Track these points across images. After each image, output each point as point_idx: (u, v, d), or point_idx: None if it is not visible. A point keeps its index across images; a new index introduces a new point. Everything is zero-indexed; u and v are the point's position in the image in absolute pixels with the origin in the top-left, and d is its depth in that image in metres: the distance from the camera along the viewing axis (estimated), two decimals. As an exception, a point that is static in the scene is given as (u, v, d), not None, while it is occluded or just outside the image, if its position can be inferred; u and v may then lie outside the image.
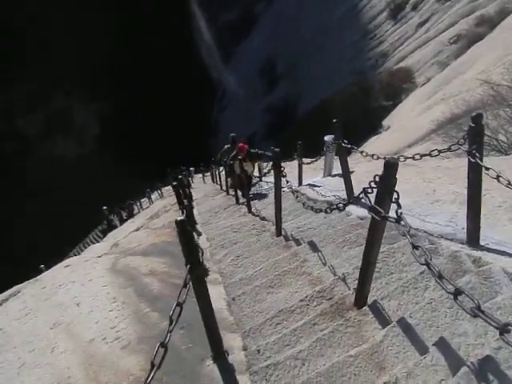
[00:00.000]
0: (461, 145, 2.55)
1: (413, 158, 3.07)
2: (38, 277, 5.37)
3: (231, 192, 8.63)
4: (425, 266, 2.58)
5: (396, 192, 1.84)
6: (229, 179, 9.01)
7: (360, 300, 2.50)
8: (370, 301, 2.48)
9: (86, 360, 2.59)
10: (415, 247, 1.56)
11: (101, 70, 63.34)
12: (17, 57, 59.59)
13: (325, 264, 3.25)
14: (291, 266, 3.36)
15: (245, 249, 4.19)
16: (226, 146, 10.54)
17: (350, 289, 2.74)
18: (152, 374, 1.33)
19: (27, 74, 60.20)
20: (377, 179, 1.93)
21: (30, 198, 51.03)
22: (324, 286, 2.85)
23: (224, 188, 10.06)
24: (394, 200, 1.83)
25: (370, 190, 2.06)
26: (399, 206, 1.80)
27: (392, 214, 1.90)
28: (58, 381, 2.44)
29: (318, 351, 2.22)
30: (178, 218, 1.78)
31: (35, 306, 3.75)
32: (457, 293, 1.26)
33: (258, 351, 2.35)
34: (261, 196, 7.46)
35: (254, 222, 5.33)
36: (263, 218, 5.46)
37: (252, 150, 7.48)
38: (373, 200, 2.02)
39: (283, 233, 4.30)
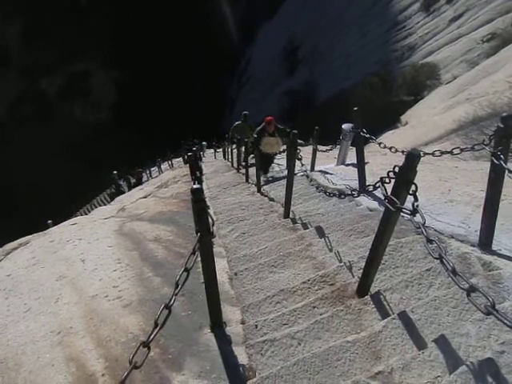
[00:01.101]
0: (486, 145, 2.48)
1: (432, 154, 3.01)
2: (47, 230, 5.49)
3: (242, 170, 8.59)
4: (432, 264, 2.60)
5: (414, 184, 1.80)
6: (250, 157, 8.16)
7: (362, 289, 2.50)
8: (372, 291, 2.48)
9: (88, 314, 2.66)
10: (429, 241, 1.53)
11: (121, 38, 62.62)
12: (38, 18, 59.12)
13: (330, 250, 3.24)
14: (296, 248, 3.36)
15: (251, 227, 4.20)
16: (236, 123, 10.40)
17: (353, 277, 2.75)
18: (156, 332, 1.35)
19: (50, 36, 59.83)
20: (396, 169, 1.89)
21: (44, 157, 51.63)
22: (327, 271, 2.85)
23: (235, 165, 10.03)
24: (411, 192, 1.80)
25: (387, 180, 2.02)
26: (416, 199, 1.76)
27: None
28: (60, 329, 2.51)
29: (315, 333, 2.24)
30: (194, 186, 1.77)
31: (43, 257, 3.84)
32: (471, 290, 1.24)
33: (256, 326, 2.38)
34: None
35: (262, 202, 5.33)
36: (271, 199, 5.46)
37: (280, 126, 6.93)
38: (389, 191, 1.99)
39: (291, 215, 4.29)
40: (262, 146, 6.73)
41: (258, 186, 6.11)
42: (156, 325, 1.40)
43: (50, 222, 13.95)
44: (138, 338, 2.34)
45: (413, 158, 1.73)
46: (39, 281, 3.22)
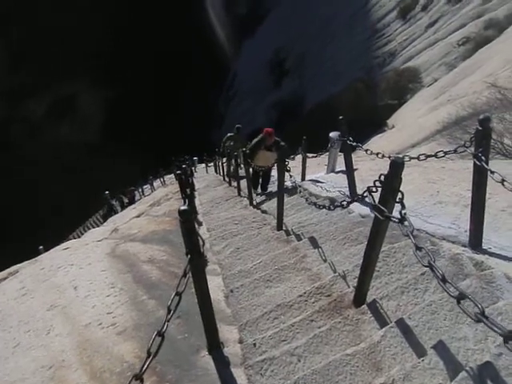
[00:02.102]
0: (467, 147, 2.51)
1: (418, 158, 3.03)
2: (37, 257, 5.38)
3: (234, 184, 8.59)
4: (426, 268, 2.60)
5: (400, 192, 1.81)
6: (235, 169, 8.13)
7: (359, 298, 2.48)
8: (368, 300, 2.47)
9: (81, 344, 2.59)
10: (418, 248, 1.54)
11: (107, 56, 62.99)
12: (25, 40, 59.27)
13: (325, 260, 3.23)
14: (291, 260, 3.34)
15: (245, 241, 4.18)
16: (228, 134, 10.53)
17: (349, 287, 2.73)
18: (148, 362, 1.32)
19: (35, 58, 59.93)
20: (382, 178, 1.90)
21: (32, 181, 51.10)
22: (323, 282, 2.84)
23: (227, 179, 10.03)
24: (398, 200, 1.80)
25: (374, 189, 2.03)
26: (403, 207, 1.77)
27: (394, 214, 1.88)
28: (52, 363, 2.43)
29: (314, 348, 2.21)
30: (181, 207, 1.76)
31: (33, 286, 3.75)
32: (460, 297, 1.24)
33: (254, 345, 2.34)
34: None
35: (254, 215, 5.32)
36: (264, 212, 5.45)
37: (278, 139, 6.45)
38: (377, 199, 1.99)
39: (284, 227, 4.28)
40: (256, 159, 6.30)
41: (250, 199, 6.11)
42: (149, 354, 1.37)
43: (41, 247, 13.71)
44: (134, 366, 2.28)
45: (397, 166, 1.74)
46: (29, 312, 3.13)
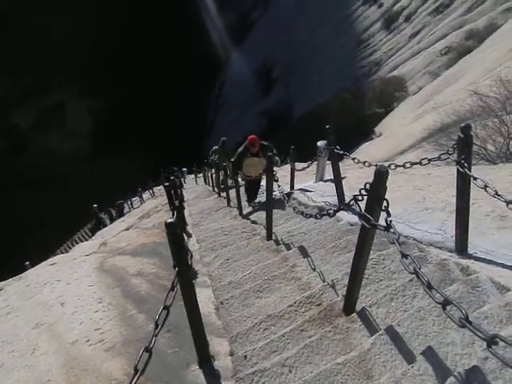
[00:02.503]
0: (450, 154, 2.57)
1: (403, 166, 3.08)
2: (22, 274, 5.26)
3: (223, 194, 8.58)
4: (414, 274, 2.63)
5: (386, 200, 1.83)
6: (226, 182, 7.74)
7: (348, 307, 2.49)
8: (358, 308, 2.47)
9: (68, 363, 2.52)
10: (404, 256, 1.56)
11: (98, 66, 62.85)
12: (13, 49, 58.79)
13: (314, 270, 3.24)
14: (281, 270, 3.34)
15: (235, 252, 4.16)
16: (214, 147, 10.80)
17: (338, 295, 2.73)
18: (135, 379, 1.30)
19: (22, 68, 59.41)
20: (367, 187, 1.93)
21: (20, 191, 50.23)
22: (313, 291, 2.84)
23: (216, 190, 10.02)
24: (383, 208, 1.83)
25: (360, 198, 2.06)
26: (389, 214, 1.79)
27: (381, 221, 1.90)
28: (37, 384, 2.37)
29: (305, 358, 2.20)
30: (168, 220, 1.75)
31: (17, 304, 3.65)
32: (445, 303, 1.26)
33: (245, 357, 2.32)
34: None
35: (244, 226, 5.31)
36: (254, 222, 5.44)
37: (265, 143, 6.13)
38: (363, 207, 2.02)
39: (274, 237, 4.28)
40: (244, 168, 6.02)
41: (240, 209, 6.11)
42: (136, 371, 1.35)
43: (27, 263, 13.40)
44: (123, 383, 2.23)
45: (381, 175, 1.77)
46: (13, 331, 3.04)
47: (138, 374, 1.32)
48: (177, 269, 1.75)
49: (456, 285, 2.23)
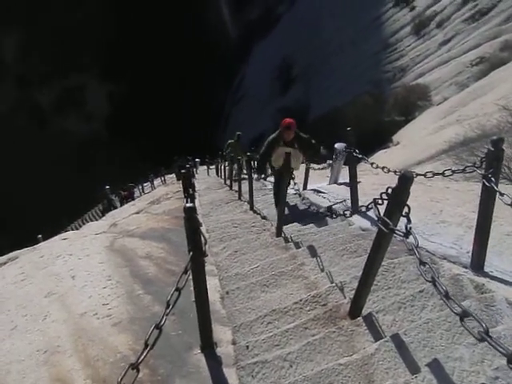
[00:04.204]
0: (477, 167, 2.52)
1: (424, 175, 3.04)
2: (36, 245, 5.40)
3: (235, 187, 8.60)
4: (424, 286, 2.60)
5: (407, 206, 1.82)
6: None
7: (355, 310, 2.48)
8: (364, 312, 2.46)
9: (76, 332, 2.60)
10: (422, 263, 1.54)
11: (118, 50, 63.37)
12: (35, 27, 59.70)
13: (322, 270, 3.23)
14: (288, 267, 3.34)
15: (243, 245, 4.18)
16: (229, 141, 11.20)
17: (345, 298, 2.73)
18: (145, 353, 1.33)
19: (46, 48, 60.36)
20: (389, 191, 1.91)
21: (35, 169, 51.23)
22: (319, 291, 2.84)
23: (228, 182, 10.05)
24: (404, 214, 1.81)
25: (380, 201, 2.04)
26: (409, 221, 1.78)
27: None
28: (47, 348, 2.45)
29: (307, 355, 2.21)
30: (187, 205, 1.77)
31: (32, 273, 3.77)
32: (464, 315, 1.24)
33: (247, 347, 2.34)
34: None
35: (254, 220, 5.32)
36: (264, 217, 5.45)
37: (303, 135, 5.01)
38: (381, 212, 2.00)
39: (283, 234, 4.28)
40: (275, 159, 4.98)
41: (251, 203, 6.11)
42: (146, 345, 1.38)
43: (40, 236, 13.76)
44: (128, 358, 2.28)
45: (406, 180, 1.75)
46: (27, 297, 3.15)
47: (149, 348, 1.34)
48: (191, 253, 1.77)
49: (469, 301, 2.19)
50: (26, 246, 5.39)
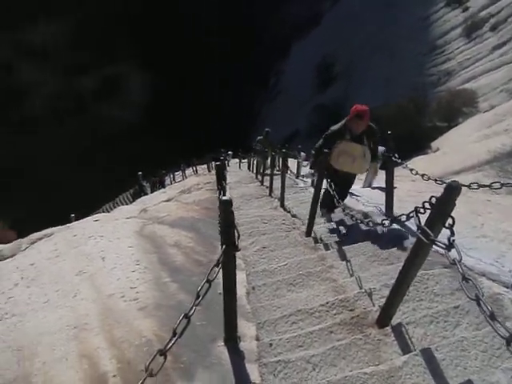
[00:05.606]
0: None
1: (469, 186, 2.89)
2: (70, 224, 5.62)
3: (266, 183, 8.59)
4: (459, 302, 2.48)
5: (452, 217, 1.72)
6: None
7: (383, 319, 2.41)
8: (393, 322, 2.38)
9: (104, 312, 2.68)
10: (465, 279, 1.45)
11: (160, 41, 64.71)
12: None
13: (351, 275, 3.16)
14: (316, 268, 3.30)
15: (272, 241, 4.16)
16: (259, 137, 11.46)
17: (374, 305, 2.65)
18: (174, 341, 1.34)
19: (92, 37, 62.81)
20: (432, 200, 1.82)
21: (73, 153, 53.69)
22: (347, 296, 2.77)
23: (259, 177, 10.06)
24: (447, 226, 1.72)
25: (421, 210, 1.95)
26: (453, 233, 1.68)
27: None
28: (77, 324, 2.54)
29: (331, 360, 2.17)
30: (223, 198, 1.77)
31: (65, 250, 3.91)
32: (511, 339, 1.16)
33: (271, 345, 2.33)
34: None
35: (284, 218, 5.29)
36: (294, 216, 5.40)
37: (373, 126, 4.06)
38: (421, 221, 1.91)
39: (313, 234, 4.22)
40: (335, 156, 3.94)
41: (282, 200, 6.07)
42: (174, 334, 1.39)
43: (73, 215, 14.40)
44: (152, 342, 2.33)
45: (452, 190, 1.66)
46: (60, 273, 3.27)
47: (177, 336, 1.35)
48: (224, 246, 1.77)
49: (509, 323, 2.06)
50: (60, 223, 5.62)
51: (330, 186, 3.72)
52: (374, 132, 3.95)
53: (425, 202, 1.85)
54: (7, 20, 56.47)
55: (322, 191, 4.27)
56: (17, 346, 2.40)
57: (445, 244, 1.64)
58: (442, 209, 1.71)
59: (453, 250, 1.64)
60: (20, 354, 2.34)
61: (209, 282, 1.62)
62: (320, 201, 4.43)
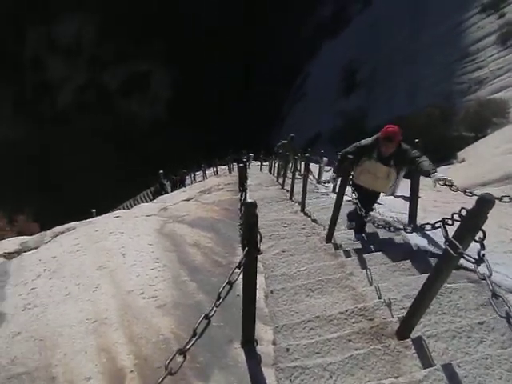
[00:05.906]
0: None
1: (500, 199, 2.79)
2: (91, 219, 5.75)
3: (286, 187, 8.56)
4: (484, 318, 2.39)
5: (482, 231, 1.67)
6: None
7: (404, 331, 2.35)
8: (414, 335, 2.33)
9: (123, 308, 2.73)
10: (495, 295, 1.40)
11: (187, 38, 65.58)
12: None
13: (371, 284, 3.10)
14: (336, 275, 3.25)
15: (291, 246, 4.13)
16: (282, 141, 11.39)
17: (393, 316, 2.60)
18: (194, 341, 1.35)
19: (118, 32, 64.45)
20: (463, 212, 1.77)
21: (96, 148, 55.02)
22: (367, 305, 2.72)
23: (280, 181, 10.03)
24: (478, 239, 1.66)
25: (450, 222, 1.90)
26: (483, 247, 1.63)
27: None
28: (96, 318, 2.59)
29: (348, 369, 2.13)
30: (248, 200, 1.77)
31: (86, 245, 3.98)
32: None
33: (288, 350, 2.31)
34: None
35: (304, 222, 5.25)
36: (314, 221, 5.35)
37: (405, 146, 3.72)
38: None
39: (333, 240, 4.17)
40: (358, 173, 3.88)
41: (303, 205, 6.03)
42: (194, 334, 1.40)
43: (94, 211, 14.73)
44: (169, 341, 2.35)
45: (485, 203, 1.61)
46: (81, 267, 3.34)
47: (197, 336, 1.36)
48: (246, 248, 1.77)
49: (538, 343, 1.98)
50: (81, 218, 5.75)
51: (354, 194, 3.67)
52: (403, 151, 3.68)
53: (454, 213, 1.80)
54: (38, 16, 58.67)
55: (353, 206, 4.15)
56: (39, 337, 2.47)
57: (474, 258, 1.59)
58: (472, 221, 1.65)
59: (482, 265, 1.59)
60: (42, 344, 2.40)
61: (230, 283, 1.62)
62: (347, 213, 4.53)
